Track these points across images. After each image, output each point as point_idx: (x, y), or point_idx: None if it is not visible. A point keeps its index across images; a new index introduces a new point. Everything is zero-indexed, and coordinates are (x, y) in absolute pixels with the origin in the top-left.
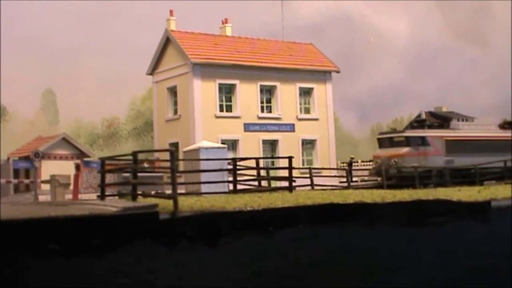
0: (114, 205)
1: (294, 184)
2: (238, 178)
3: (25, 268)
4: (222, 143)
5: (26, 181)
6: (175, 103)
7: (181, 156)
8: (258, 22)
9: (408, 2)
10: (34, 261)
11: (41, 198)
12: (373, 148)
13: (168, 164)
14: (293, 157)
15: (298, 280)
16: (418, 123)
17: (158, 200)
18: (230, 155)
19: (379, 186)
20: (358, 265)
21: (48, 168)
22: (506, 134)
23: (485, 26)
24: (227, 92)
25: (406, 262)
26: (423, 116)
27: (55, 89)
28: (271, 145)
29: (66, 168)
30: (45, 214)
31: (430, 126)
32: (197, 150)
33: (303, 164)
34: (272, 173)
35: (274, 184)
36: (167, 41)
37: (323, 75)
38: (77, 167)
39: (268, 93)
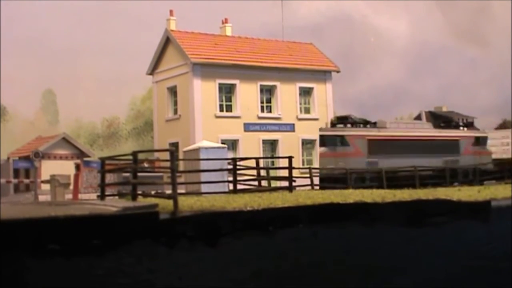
0: (114, 205)
1: (294, 184)
2: (238, 178)
3: (25, 268)
4: (222, 143)
5: (26, 181)
6: (175, 103)
7: (181, 156)
8: (258, 22)
9: (408, 2)
10: (34, 261)
11: (41, 198)
12: None
13: (168, 164)
14: (293, 157)
15: (298, 280)
16: (339, 120)
17: (158, 200)
18: (230, 155)
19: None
20: (358, 265)
21: (48, 168)
22: (440, 134)
23: (485, 26)
24: (227, 92)
25: (406, 262)
26: (423, 116)
27: (55, 89)
28: (271, 145)
29: (66, 168)
30: (45, 214)
31: (353, 124)
32: (197, 150)
33: (303, 164)
34: (272, 173)
35: (274, 184)
36: (167, 41)
37: (323, 75)
38: (77, 167)
39: (268, 93)
